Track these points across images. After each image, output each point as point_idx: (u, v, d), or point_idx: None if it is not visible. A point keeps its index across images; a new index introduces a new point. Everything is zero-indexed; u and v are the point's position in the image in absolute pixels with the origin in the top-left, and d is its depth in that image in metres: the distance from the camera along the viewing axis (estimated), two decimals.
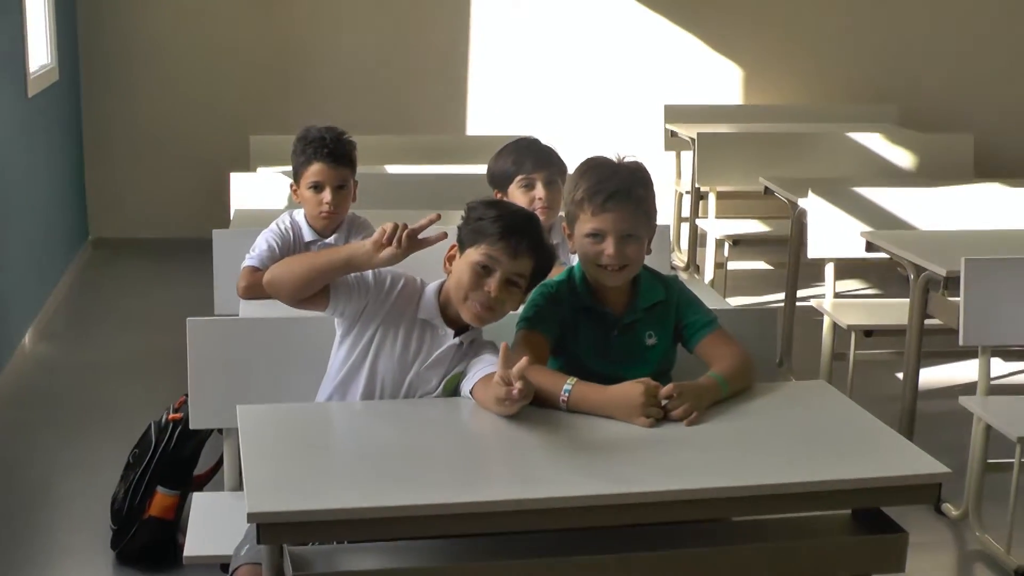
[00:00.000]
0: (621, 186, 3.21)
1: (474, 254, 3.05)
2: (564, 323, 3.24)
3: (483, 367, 3.06)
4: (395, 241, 2.97)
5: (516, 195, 4.20)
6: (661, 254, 4.44)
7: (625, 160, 3.33)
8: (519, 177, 4.22)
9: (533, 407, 2.97)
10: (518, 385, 2.77)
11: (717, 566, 2.82)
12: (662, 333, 3.28)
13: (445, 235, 3.06)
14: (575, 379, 3.02)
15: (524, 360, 2.80)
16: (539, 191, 4.18)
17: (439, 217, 3.08)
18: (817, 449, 2.92)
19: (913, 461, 2.84)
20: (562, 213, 3.40)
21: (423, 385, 3.15)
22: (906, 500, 2.84)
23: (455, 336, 3.14)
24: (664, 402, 2.96)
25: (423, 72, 8.22)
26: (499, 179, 4.29)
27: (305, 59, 8.15)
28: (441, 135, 7.68)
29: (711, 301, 3.66)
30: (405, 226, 2.99)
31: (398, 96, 8.16)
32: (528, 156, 4.26)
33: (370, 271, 3.10)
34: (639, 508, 2.65)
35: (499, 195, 4.26)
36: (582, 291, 3.27)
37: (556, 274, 3.36)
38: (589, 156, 3.41)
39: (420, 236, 3.02)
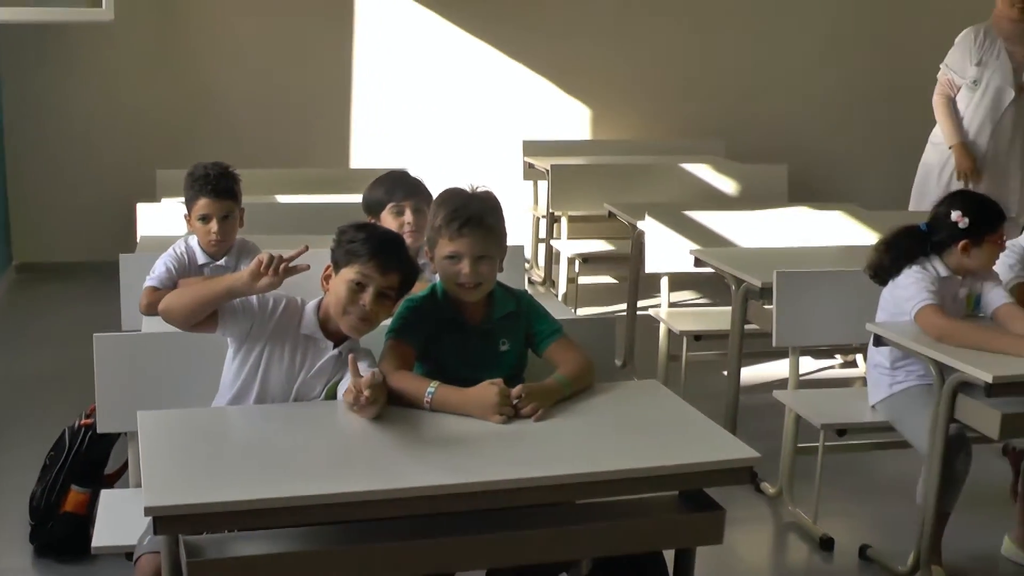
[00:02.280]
0: (474, 214, 3.23)
1: (349, 272, 3.06)
2: (428, 333, 3.23)
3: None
4: (271, 271, 2.97)
5: (388, 220, 4.19)
6: (516, 271, 4.48)
7: (478, 190, 3.35)
8: (390, 205, 4.23)
9: (401, 408, 2.99)
10: (366, 393, 2.81)
11: (562, 543, 2.82)
12: (514, 340, 3.29)
13: (308, 267, 3.07)
14: (437, 383, 3.03)
15: (371, 374, 2.87)
16: (408, 217, 4.18)
17: (307, 248, 3.09)
18: (647, 439, 2.95)
19: (729, 448, 2.89)
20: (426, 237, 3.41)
21: (308, 392, 3.15)
22: (723, 481, 2.85)
23: (334, 347, 3.14)
24: (515, 401, 2.97)
25: (313, 111, 8.15)
26: (373, 207, 4.29)
27: (207, 100, 8.03)
28: (328, 168, 7.61)
29: (559, 312, 3.69)
30: (280, 257, 2.99)
31: (290, 132, 8.08)
32: (398, 186, 4.28)
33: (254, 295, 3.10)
34: (494, 494, 2.65)
35: (373, 220, 4.25)
36: (443, 305, 3.27)
37: (420, 289, 3.37)
38: (447, 187, 3.43)
39: (292, 264, 3.02)
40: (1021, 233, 4.61)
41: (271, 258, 2.98)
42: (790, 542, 4.55)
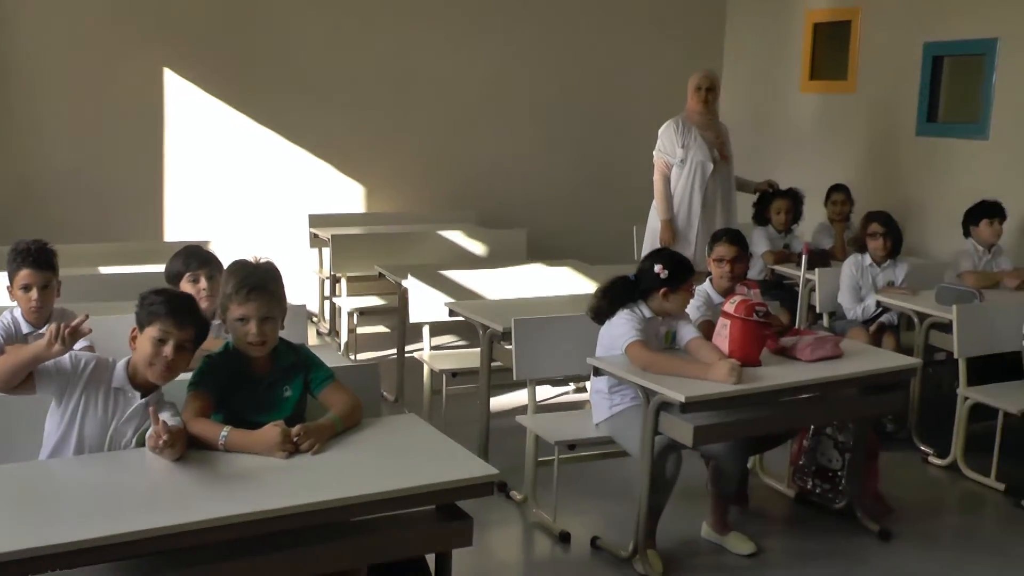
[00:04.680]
0: (258, 282, 3.23)
1: (151, 331, 3.04)
2: (223, 384, 3.20)
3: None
4: (60, 338, 2.93)
5: (186, 287, 4.11)
6: (300, 325, 4.42)
7: (261, 261, 3.35)
8: (187, 274, 4.16)
9: (200, 450, 2.95)
10: (164, 438, 2.79)
11: (341, 555, 2.84)
12: (295, 387, 3.28)
13: (91, 330, 3.03)
14: (230, 427, 3.01)
15: (163, 424, 2.84)
16: (202, 284, 4.12)
17: (87, 316, 3.05)
18: (406, 464, 2.97)
19: (473, 467, 2.95)
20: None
21: (121, 439, 3.07)
22: (470, 495, 2.89)
23: (142, 398, 3.08)
24: (295, 439, 2.97)
25: (130, 191, 7.83)
26: (173, 276, 4.20)
27: (31, 178, 7.61)
28: (144, 241, 7.37)
29: (333, 360, 3.65)
30: (66, 326, 2.94)
31: (111, 210, 7.71)
32: (193, 258, 4.20)
33: (67, 357, 3.02)
34: (281, 519, 2.64)
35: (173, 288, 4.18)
36: (235, 359, 3.25)
37: (217, 346, 3.33)
38: (235, 259, 3.40)
39: (78, 329, 2.98)
40: (705, 281, 4.80)
41: (59, 327, 2.93)
42: (535, 538, 4.59)
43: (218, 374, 3.20)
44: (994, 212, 6.44)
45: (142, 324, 3.09)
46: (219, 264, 4.17)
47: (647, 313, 4.23)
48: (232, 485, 2.78)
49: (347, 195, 8.48)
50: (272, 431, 2.96)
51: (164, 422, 2.86)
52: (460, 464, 2.96)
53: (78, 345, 3.69)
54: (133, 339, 3.11)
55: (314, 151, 8.33)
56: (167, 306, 3.06)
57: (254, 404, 3.21)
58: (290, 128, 8.21)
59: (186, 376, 3.21)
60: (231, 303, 3.22)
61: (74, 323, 2.98)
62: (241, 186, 8.13)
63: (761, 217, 7.25)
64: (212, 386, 3.18)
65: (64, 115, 7.61)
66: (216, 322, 3.59)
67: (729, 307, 4.17)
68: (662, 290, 4.21)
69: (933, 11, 7.66)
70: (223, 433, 2.98)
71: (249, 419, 3.11)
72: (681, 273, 4.24)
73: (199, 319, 3.17)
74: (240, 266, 3.32)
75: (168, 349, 3.03)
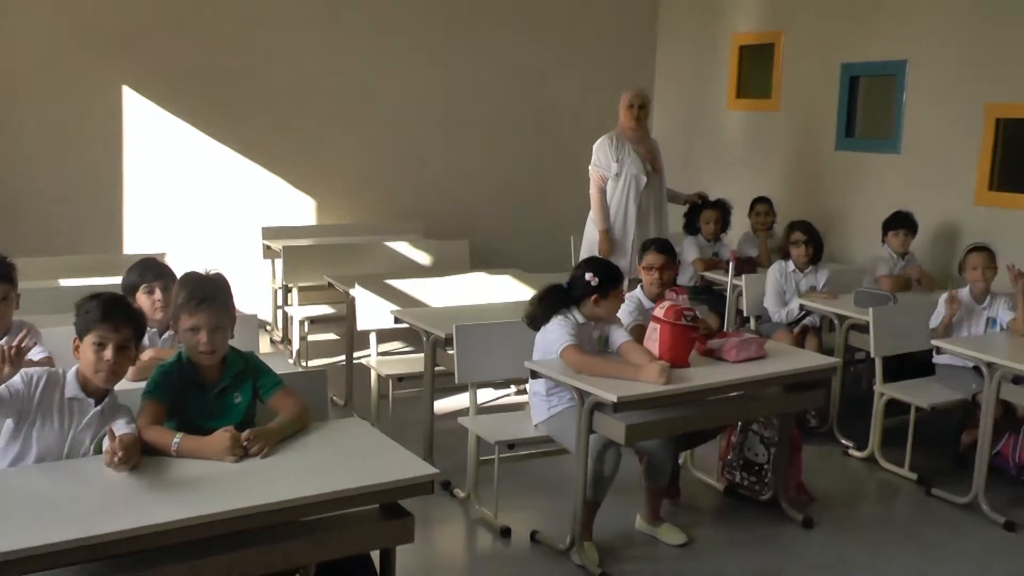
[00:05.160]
0: (208, 293, 3.22)
1: (90, 338, 3.01)
2: (176, 393, 3.18)
3: (116, 430, 2.95)
4: (6, 360, 2.90)
5: (142, 299, 4.06)
6: (250, 333, 4.38)
7: (211, 273, 3.33)
8: (143, 286, 4.09)
9: (154, 456, 2.93)
10: (119, 454, 2.75)
11: (290, 553, 2.82)
12: (245, 393, 3.27)
13: (34, 344, 3.06)
14: (182, 434, 2.99)
15: (118, 440, 2.79)
16: (157, 295, 4.05)
17: (28, 332, 3.06)
18: (351, 466, 2.97)
19: (414, 467, 2.94)
20: None
21: (79, 446, 3.03)
22: (412, 494, 2.89)
23: (96, 405, 3.04)
24: (245, 443, 2.96)
25: (90, 204, 7.70)
26: (129, 288, 4.13)
27: None
28: (104, 254, 7.26)
29: (282, 367, 3.64)
30: (11, 348, 2.91)
31: (72, 224, 7.59)
32: (148, 270, 4.14)
33: (18, 377, 2.96)
34: (232, 520, 2.63)
35: (130, 300, 4.13)
36: (187, 369, 3.23)
37: (171, 356, 3.31)
38: (186, 272, 3.39)
39: (22, 348, 2.95)
40: (637, 288, 4.84)
41: (3, 350, 2.90)
42: (478, 534, 4.59)
43: (171, 383, 3.18)
44: (900, 224, 6.62)
45: (81, 333, 3.05)
46: (174, 276, 4.13)
47: (580, 319, 4.26)
48: (185, 489, 2.76)
49: (299, 208, 8.43)
50: (222, 436, 2.95)
51: (119, 438, 2.81)
52: (402, 465, 2.96)
53: (38, 356, 3.67)
54: (76, 349, 3.07)
55: (267, 166, 8.27)
56: (100, 311, 3.02)
57: (206, 411, 3.19)
58: (245, 143, 8.15)
59: (141, 385, 3.19)
60: (182, 313, 3.20)
61: (16, 341, 2.95)
62: (198, 200, 8.06)
63: (691, 227, 7.33)
64: (165, 394, 3.16)
65: (25, 132, 7.49)
66: (169, 333, 3.57)
67: (659, 312, 4.21)
68: (593, 297, 4.24)
69: (850, 35, 7.80)
70: (176, 440, 2.96)
71: (201, 425, 3.09)
72: (610, 280, 4.27)
73: (134, 317, 3.11)
74: (191, 278, 3.30)
75: (108, 353, 2.99)
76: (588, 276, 4.23)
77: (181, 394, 3.19)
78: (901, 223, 6.63)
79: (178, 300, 3.24)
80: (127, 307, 3.14)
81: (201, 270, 3.35)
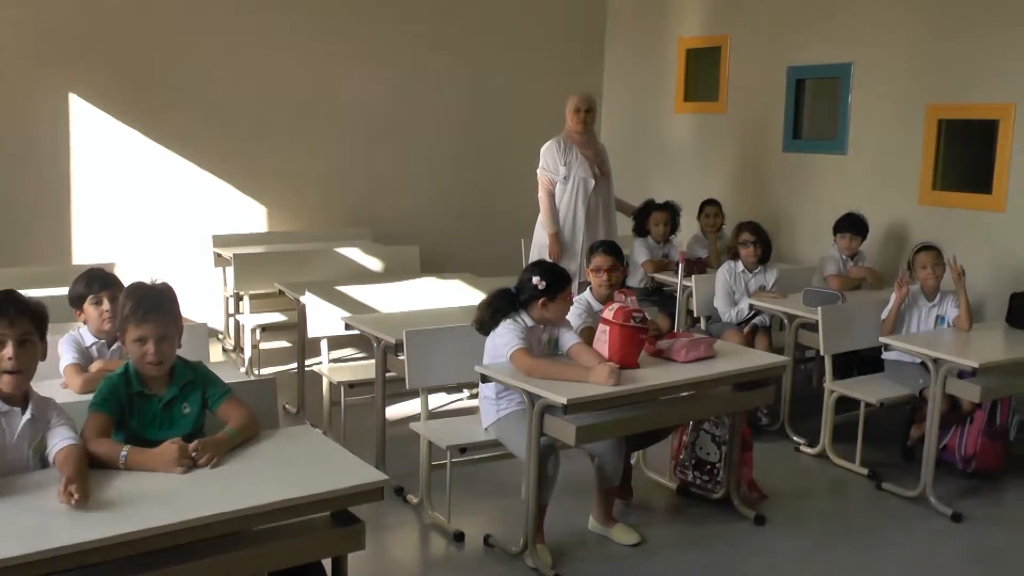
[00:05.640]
0: (154, 303, 3.19)
1: None
2: (123, 404, 3.14)
3: (58, 440, 2.90)
4: None
5: (89, 310, 4.01)
6: (200, 343, 4.34)
7: (157, 283, 3.31)
8: (90, 296, 4.03)
9: (102, 470, 2.88)
10: (75, 497, 2.62)
11: (242, 564, 2.80)
12: (193, 403, 3.24)
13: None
14: (129, 446, 2.95)
15: (69, 477, 2.68)
16: (105, 306, 3.99)
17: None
18: (301, 474, 2.95)
19: (364, 474, 2.93)
20: None
21: (19, 457, 2.92)
22: (361, 501, 2.88)
23: (23, 412, 2.92)
24: (193, 454, 2.93)
25: (39, 214, 7.61)
26: (76, 299, 4.08)
27: None
28: (53, 264, 7.17)
29: (231, 376, 3.61)
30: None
31: (19, 234, 7.51)
32: (95, 280, 4.07)
33: None
34: (183, 532, 2.59)
35: (77, 312, 4.09)
36: (135, 380, 3.19)
37: (117, 367, 3.28)
38: (132, 282, 3.36)
39: None
40: (586, 290, 4.86)
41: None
42: (431, 539, 4.59)
43: (117, 395, 3.14)
44: (848, 227, 6.73)
45: None
46: (121, 286, 4.07)
47: (529, 322, 4.27)
48: (133, 502, 2.71)
49: (249, 215, 8.38)
50: (170, 448, 2.92)
51: (67, 477, 2.70)
52: (351, 472, 2.94)
53: None
54: None
55: (217, 173, 8.21)
56: None
57: (154, 422, 3.16)
58: (194, 151, 8.09)
59: (88, 397, 3.16)
60: (128, 324, 3.17)
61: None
62: (148, 208, 7.98)
63: (641, 229, 7.38)
64: (112, 406, 3.12)
65: None
66: (118, 344, 3.54)
67: (608, 314, 4.24)
68: (541, 300, 4.25)
69: (795, 38, 7.89)
70: (123, 452, 2.92)
71: (150, 437, 3.06)
72: (557, 283, 4.28)
73: (29, 310, 2.93)
74: (136, 288, 3.27)
75: (8, 351, 2.85)
76: (535, 280, 4.25)
77: (128, 406, 3.15)
78: (849, 226, 6.72)
79: (124, 311, 3.20)
80: (20, 300, 2.95)
81: (147, 280, 3.33)
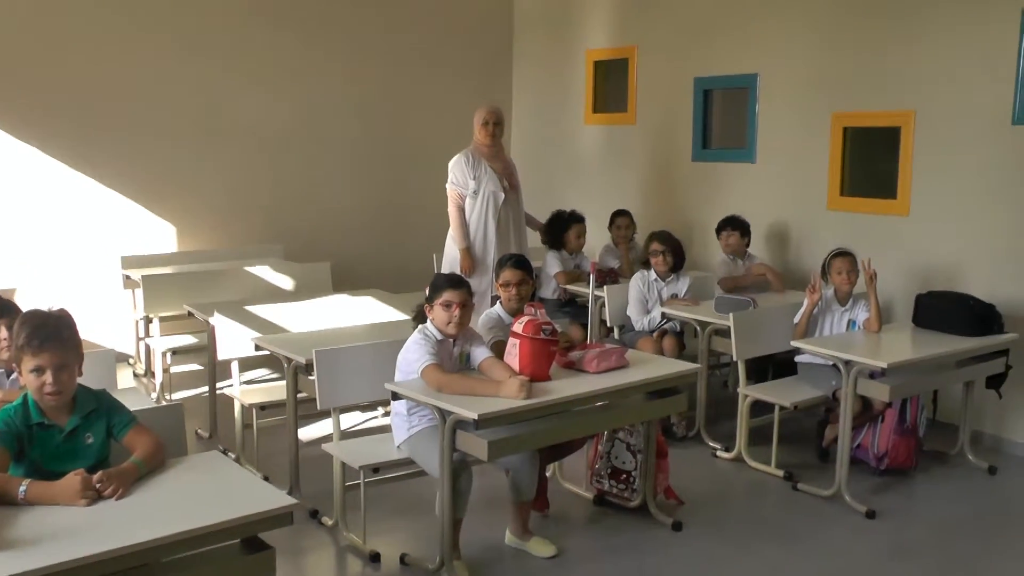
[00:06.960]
0: (52, 331, 3.11)
1: None
2: (21, 437, 3.06)
3: None
4: None
5: None
6: (106, 369, 4.29)
7: (54, 310, 3.23)
8: None
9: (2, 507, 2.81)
10: None
11: None
12: (97, 433, 3.17)
13: None
14: (29, 480, 2.87)
15: None
16: (3, 333, 3.90)
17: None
18: (209, 502, 2.91)
19: (272, 499, 2.90)
20: None
21: None
22: (271, 526, 2.86)
23: None
24: (97, 485, 2.87)
25: None
26: None
27: None
28: None
29: (138, 402, 3.56)
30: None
31: None
32: None
33: None
34: (86, 568, 2.53)
35: None
36: (34, 411, 3.11)
37: (15, 399, 3.20)
38: (27, 310, 3.29)
39: None
40: (496, 304, 4.88)
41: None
42: (347, 561, 4.55)
43: (14, 427, 3.06)
44: (724, 226, 6.96)
45: None
46: (20, 312, 4.00)
47: (438, 335, 4.29)
48: (36, 538, 2.64)
49: (158, 234, 8.23)
50: (72, 480, 2.85)
51: None
52: (259, 497, 2.92)
53: None
54: None
55: (122, 191, 8.05)
56: None
57: (56, 454, 3.09)
58: (97, 169, 7.91)
59: None
60: (24, 354, 3.09)
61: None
62: (51, 230, 7.78)
63: (553, 241, 7.44)
64: (9, 440, 3.04)
65: None
66: (15, 376, 3.46)
67: (517, 327, 4.26)
68: (426, 307, 4.33)
69: (701, 49, 8.03)
70: (22, 488, 2.84)
71: (52, 470, 2.99)
72: (433, 289, 4.36)
73: None
74: (31, 316, 3.19)
75: None
76: (427, 289, 4.28)
77: (28, 438, 3.08)
78: (726, 223, 6.99)
79: (19, 341, 3.12)
80: None
81: (44, 307, 3.26)
